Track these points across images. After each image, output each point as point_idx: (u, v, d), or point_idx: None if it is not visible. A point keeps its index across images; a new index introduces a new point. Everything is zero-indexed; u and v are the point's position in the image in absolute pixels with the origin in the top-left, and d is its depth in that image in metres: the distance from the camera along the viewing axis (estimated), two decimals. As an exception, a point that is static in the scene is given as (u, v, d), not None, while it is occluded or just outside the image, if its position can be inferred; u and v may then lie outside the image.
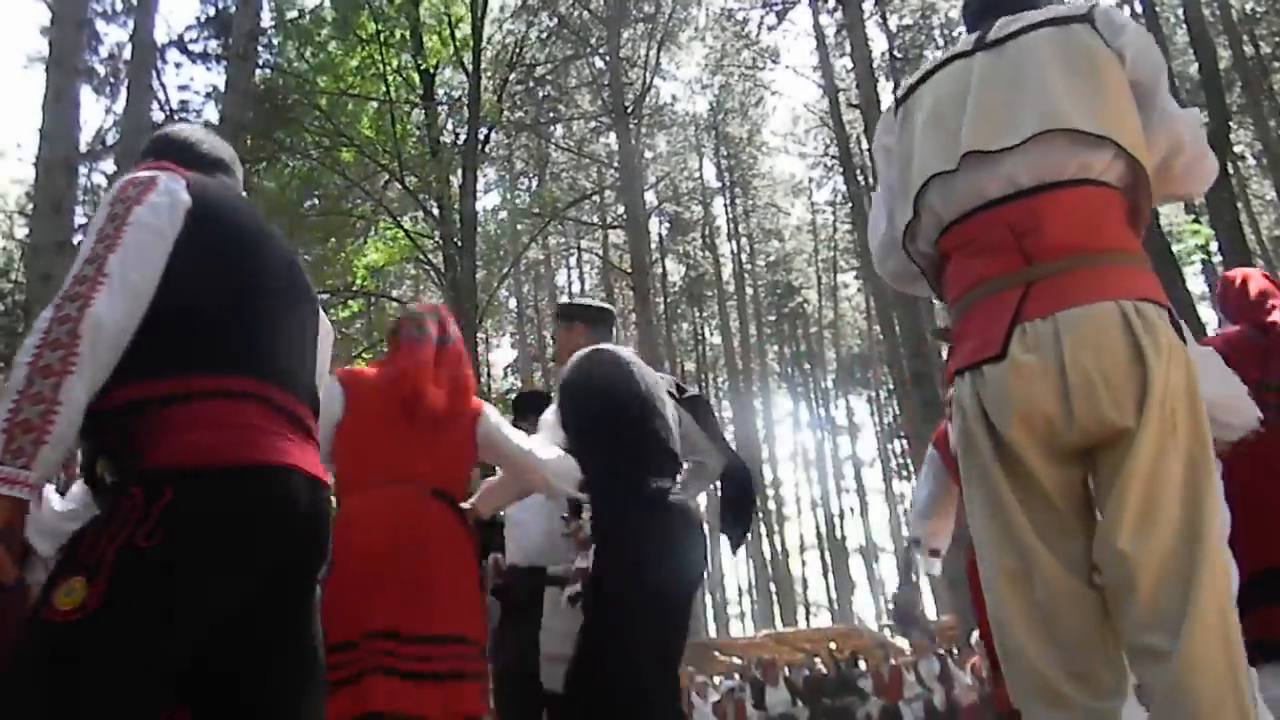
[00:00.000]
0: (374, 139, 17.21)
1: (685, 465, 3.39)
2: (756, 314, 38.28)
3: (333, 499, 1.93)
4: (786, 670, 14.34)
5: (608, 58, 24.01)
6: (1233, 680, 1.70)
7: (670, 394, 3.46)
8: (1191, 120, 2.08)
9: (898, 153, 2.17)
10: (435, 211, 17.64)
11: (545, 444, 3.09)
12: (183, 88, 25.63)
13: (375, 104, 17.68)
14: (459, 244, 17.05)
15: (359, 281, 18.52)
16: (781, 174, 36.86)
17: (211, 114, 18.47)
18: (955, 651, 13.71)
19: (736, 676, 15.89)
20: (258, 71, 16.17)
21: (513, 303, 34.00)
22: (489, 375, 32.32)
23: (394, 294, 23.30)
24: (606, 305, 3.88)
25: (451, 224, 17.35)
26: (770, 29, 26.02)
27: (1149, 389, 1.79)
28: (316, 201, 18.21)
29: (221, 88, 16.83)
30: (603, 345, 3.44)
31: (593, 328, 3.65)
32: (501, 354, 37.53)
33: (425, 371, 2.92)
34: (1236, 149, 25.42)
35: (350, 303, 18.82)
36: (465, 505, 3.01)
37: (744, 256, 37.65)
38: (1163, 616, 1.73)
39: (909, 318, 17.58)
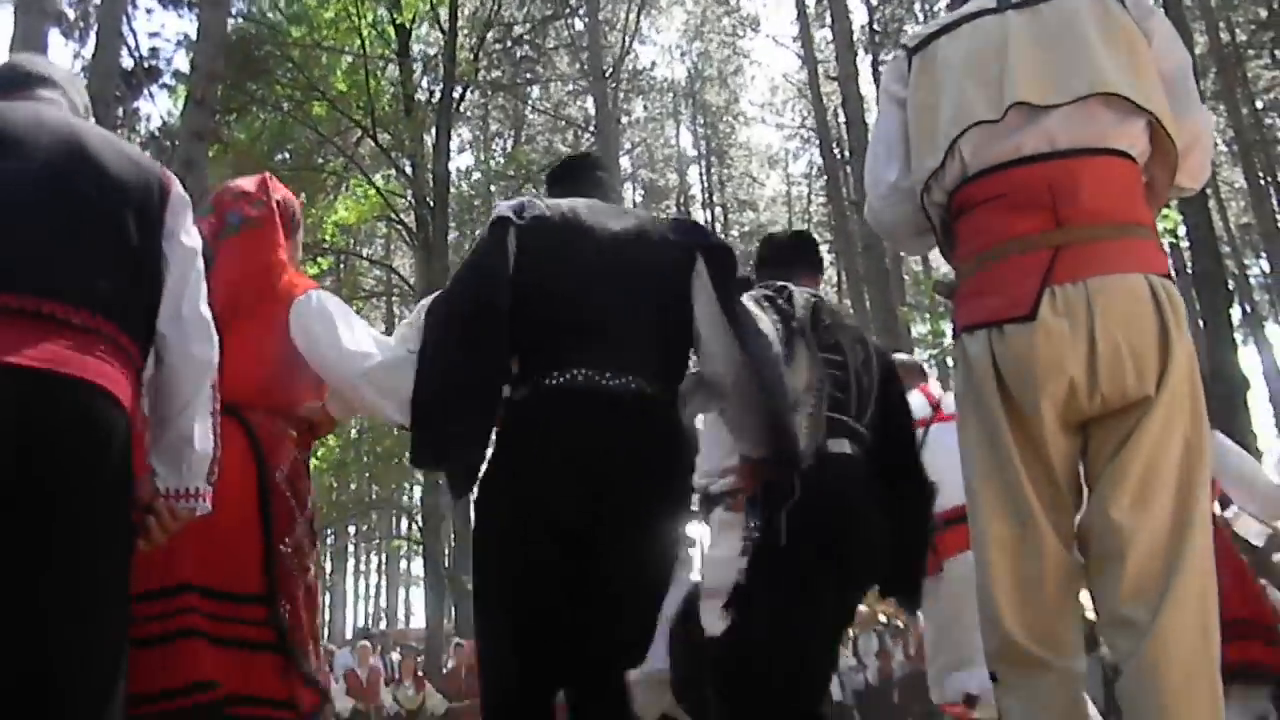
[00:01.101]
0: (347, 93, 16.98)
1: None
2: (729, 284, 38.26)
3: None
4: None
5: (587, 20, 23.78)
6: (1206, 657, 1.73)
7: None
8: (1210, 120, 2.13)
9: (917, 102, 2.11)
10: (408, 170, 17.49)
11: None
12: (153, 34, 25.15)
13: (349, 58, 17.42)
14: (431, 204, 16.91)
15: (329, 239, 18.33)
16: (758, 145, 36.75)
17: (182, 62, 18.19)
18: (901, 625, 13.85)
19: None
20: (230, 20, 15.86)
21: (485, 265, 33.73)
22: (459, 337, 32.18)
23: (364, 252, 23.12)
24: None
25: (424, 183, 17.20)
26: (751, -3, 25.89)
27: (1170, 365, 1.82)
28: (288, 156, 17.97)
29: (193, 35, 16.51)
30: None
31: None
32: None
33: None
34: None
35: (319, 260, 18.62)
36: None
37: (719, 226, 37.57)
38: (1146, 590, 1.76)
39: (880, 294, 17.64)
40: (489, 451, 2.27)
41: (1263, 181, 29.78)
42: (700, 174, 37.01)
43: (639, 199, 35.03)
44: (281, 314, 2.60)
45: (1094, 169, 1.91)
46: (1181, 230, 16.54)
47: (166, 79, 18.80)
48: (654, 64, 33.10)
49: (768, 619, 2.49)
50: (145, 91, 18.10)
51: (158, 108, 19.15)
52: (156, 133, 18.67)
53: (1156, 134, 1.96)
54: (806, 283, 2.98)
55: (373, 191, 17.37)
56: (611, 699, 2.14)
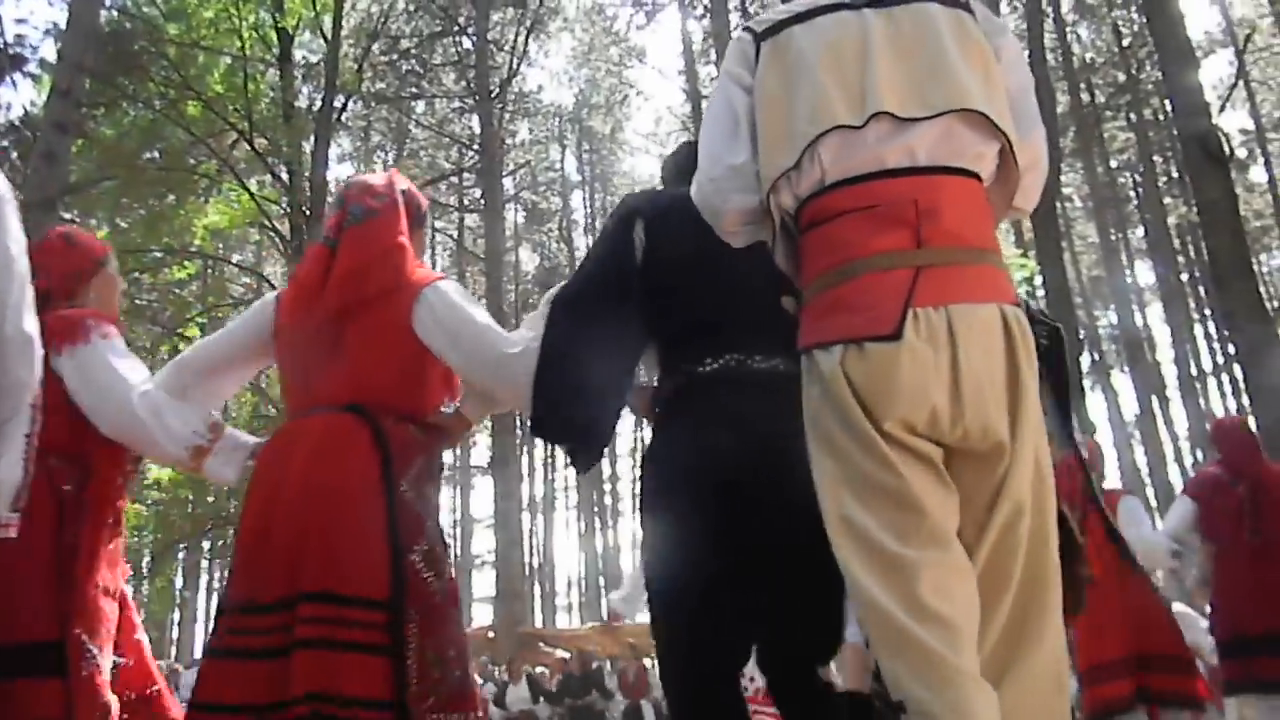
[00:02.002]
0: (224, 95, 16.58)
1: None
2: (608, 309, 38.43)
3: None
4: (536, 668, 13.93)
5: (475, 38, 23.78)
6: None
7: None
8: (1044, 140, 2.07)
9: (766, 92, 1.97)
10: (285, 177, 17.14)
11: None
12: (20, 20, 24.19)
13: (228, 59, 17.05)
14: (307, 212, 16.60)
15: (198, 242, 17.81)
16: (641, 174, 37.14)
17: (50, 51, 17.54)
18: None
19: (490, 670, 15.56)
20: (103, 12, 15.37)
21: (360, 278, 33.22)
22: (330, 351, 31.54)
23: (234, 259, 22.54)
24: None
25: (301, 191, 16.89)
26: (639, 28, 26.33)
27: (1022, 405, 1.79)
28: (158, 155, 17.43)
29: (62, 25, 15.93)
30: None
31: None
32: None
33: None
34: (1065, 191, 26.90)
35: (186, 264, 18.08)
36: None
37: (599, 252, 37.75)
38: (993, 667, 1.72)
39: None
40: (638, 435, 2.34)
41: (1114, 237, 31.44)
42: (584, 199, 37.23)
43: (521, 221, 35.03)
44: (405, 303, 2.52)
45: (953, 188, 1.85)
46: (1038, 280, 17.35)
47: (32, 67, 18.14)
48: (541, 87, 33.26)
49: None
50: (8, 79, 17.39)
51: (21, 96, 18.40)
52: (18, 122, 17.96)
53: (1004, 156, 1.93)
54: None
55: (246, 197, 16.97)
56: (813, 685, 2.20)
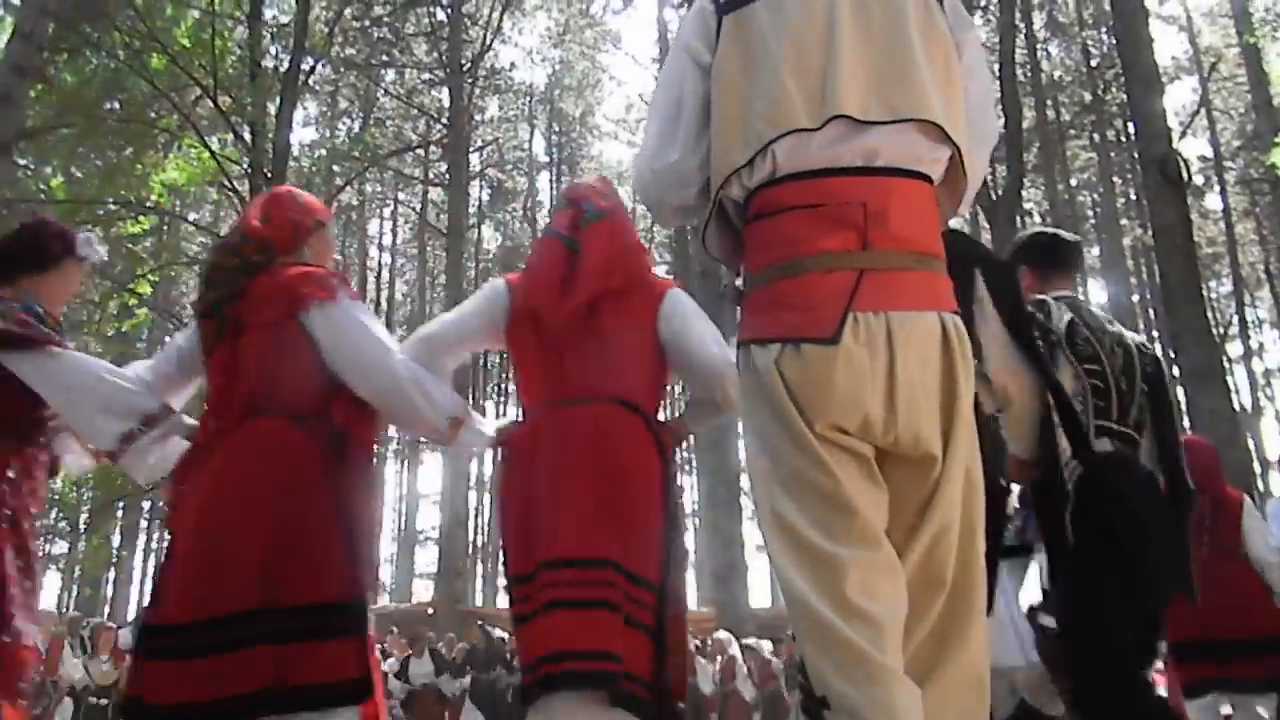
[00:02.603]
0: (190, 49, 16.28)
1: None
2: (567, 293, 38.34)
3: None
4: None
5: (449, 10, 23.58)
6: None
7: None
8: (989, 152, 2.08)
9: (724, 74, 1.93)
10: (247, 137, 16.90)
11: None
12: (-17, -40, 23.50)
13: (196, 13, 16.75)
14: (269, 174, 16.38)
15: (154, 198, 17.51)
16: (610, 159, 37.06)
17: (12, -7, 17.08)
18: (707, 643, 14.12)
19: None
20: (69, -44, 15.04)
21: (319, 245, 32.88)
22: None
23: (191, 217, 22.20)
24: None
25: (263, 152, 16.67)
26: (615, 13, 26.20)
27: (957, 414, 1.79)
28: (118, 105, 17.10)
29: (27, -34, 15.57)
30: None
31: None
32: (300, 296, 36.19)
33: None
34: (1026, 206, 27.23)
35: (141, 219, 17.76)
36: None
37: (562, 234, 37.63)
38: (918, 668, 1.73)
39: (714, 315, 18.01)
40: None
41: (1071, 252, 31.88)
42: (550, 181, 37.06)
43: (485, 198, 34.82)
44: (651, 302, 2.75)
45: (903, 191, 1.83)
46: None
47: (-6, 8, 17.67)
48: (513, 65, 32.99)
49: (1072, 610, 2.92)
50: (-33, 18, 16.94)
51: (-20, 37, 17.95)
52: (-25, 63, 17.50)
53: (953, 162, 1.92)
54: (1059, 283, 3.34)
55: (206, 154, 16.70)
56: None
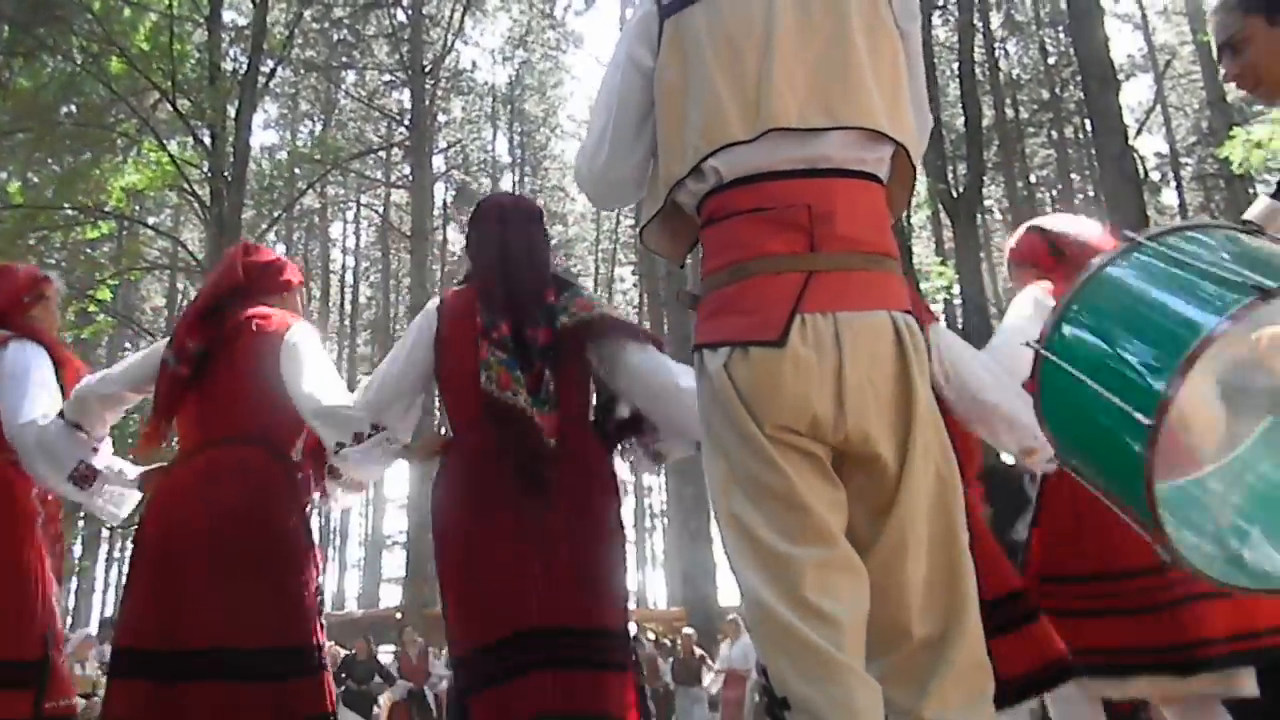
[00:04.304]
0: (148, 53, 16.14)
1: None
2: (532, 294, 38.27)
3: None
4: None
5: (410, 12, 23.48)
6: None
7: None
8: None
9: (665, 82, 1.92)
10: (207, 140, 16.76)
11: None
12: (-67, -37, 23.14)
13: (154, 16, 16.59)
14: (229, 178, 16.27)
15: (113, 202, 17.33)
16: (572, 159, 36.93)
17: (-36, -4, 16.82)
18: (675, 642, 14.15)
19: None
20: (24, -42, 14.85)
21: (280, 248, 32.66)
22: (246, 321, 30.88)
23: (150, 221, 21.96)
24: None
25: (223, 156, 16.54)
26: (578, 14, 26.17)
27: (915, 409, 1.78)
28: (75, 110, 16.90)
29: (-21, -31, 15.35)
30: None
31: None
32: (262, 301, 35.93)
33: None
34: (987, 203, 27.51)
35: (100, 224, 17.58)
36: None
37: (526, 235, 37.59)
38: (918, 675, 1.72)
39: (679, 318, 18.09)
40: None
41: (1031, 248, 32.25)
42: (513, 182, 36.99)
43: (449, 200, 34.70)
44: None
45: (849, 192, 1.82)
46: (956, 288, 17.73)
47: (-56, 12, 17.40)
48: (475, 65, 32.91)
49: None
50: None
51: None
52: (-73, 68, 17.22)
53: (900, 160, 1.93)
54: None
55: (165, 158, 16.55)
56: None
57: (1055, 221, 3.28)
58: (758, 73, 1.83)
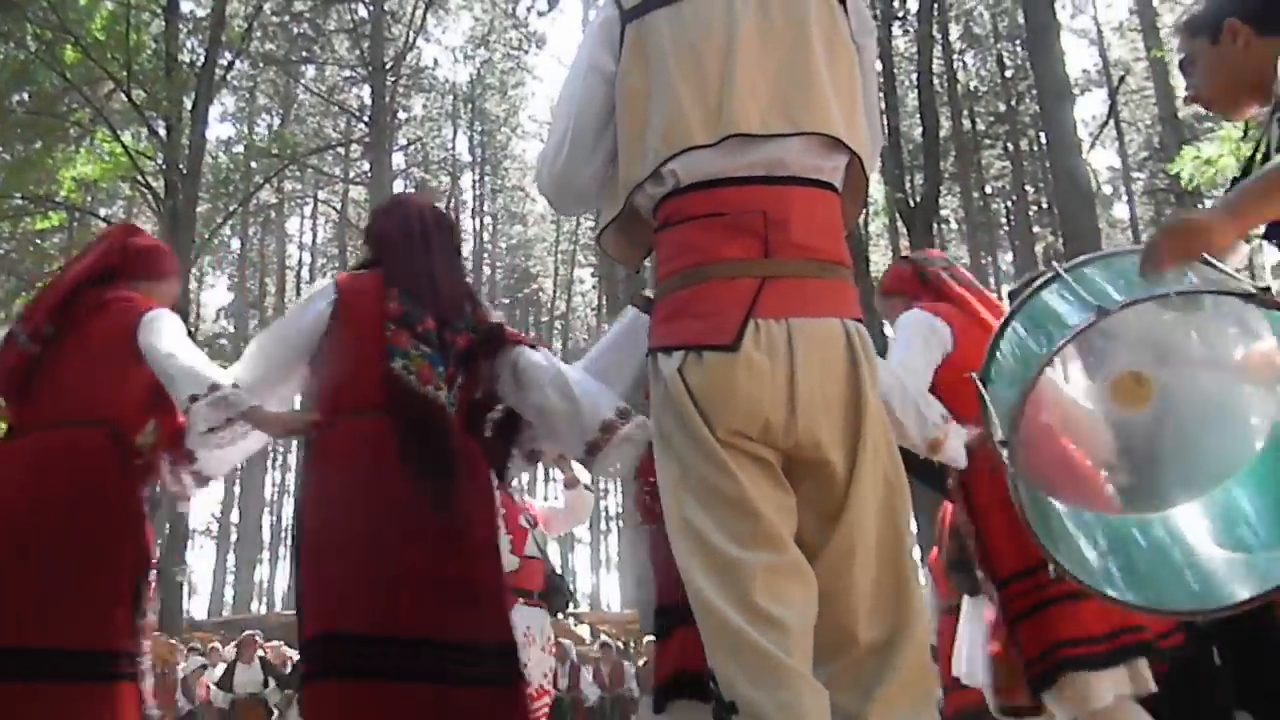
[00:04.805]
0: (104, 42, 15.91)
1: None
2: (491, 295, 38.16)
3: None
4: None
5: (371, 7, 23.32)
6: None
7: None
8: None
9: (627, 88, 1.93)
10: (162, 132, 16.55)
11: None
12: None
13: (110, 5, 16.36)
14: (183, 171, 16.08)
15: (64, 193, 17.06)
16: (533, 159, 36.79)
17: (-86, -21, 16.48)
18: (629, 645, 14.17)
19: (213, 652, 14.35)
20: (-23, -57, 14.58)
21: (236, 244, 32.32)
22: (199, 316, 30.55)
23: (102, 212, 21.62)
24: None
25: (178, 148, 16.36)
26: (541, 14, 26.13)
27: (865, 418, 1.80)
28: (28, 98, 16.61)
29: (-70, -48, 15.05)
30: None
31: None
32: (216, 295, 35.58)
33: None
34: (943, 212, 27.80)
35: (50, 214, 17.29)
36: None
37: (486, 235, 37.53)
38: (863, 679, 1.73)
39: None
40: None
41: (984, 260, 32.65)
42: (473, 181, 36.88)
43: (408, 197, 34.46)
44: None
45: (805, 200, 1.85)
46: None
47: (-107, -5, 17.04)
48: (436, 63, 32.72)
49: None
50: None
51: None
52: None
53: (853, 171, 1.95)
54: None
55: (119, 149, 16.32)
56: None
57: (917, 254, 3.54)
58: (719, 79, 1.84)
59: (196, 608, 32.95)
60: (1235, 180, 2.06)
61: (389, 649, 2.24)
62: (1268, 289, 1.73)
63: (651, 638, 2.81)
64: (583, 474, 2.97)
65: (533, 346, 2.65)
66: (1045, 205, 29.27)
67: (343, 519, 2.36)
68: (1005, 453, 1.96)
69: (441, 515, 2.35)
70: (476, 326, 2.62)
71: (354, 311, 2.53)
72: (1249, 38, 2.03)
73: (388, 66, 23.17)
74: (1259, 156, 1.95)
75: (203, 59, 17.49)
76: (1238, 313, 1.89)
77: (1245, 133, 2.19)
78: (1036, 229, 30.39)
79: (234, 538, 35.51)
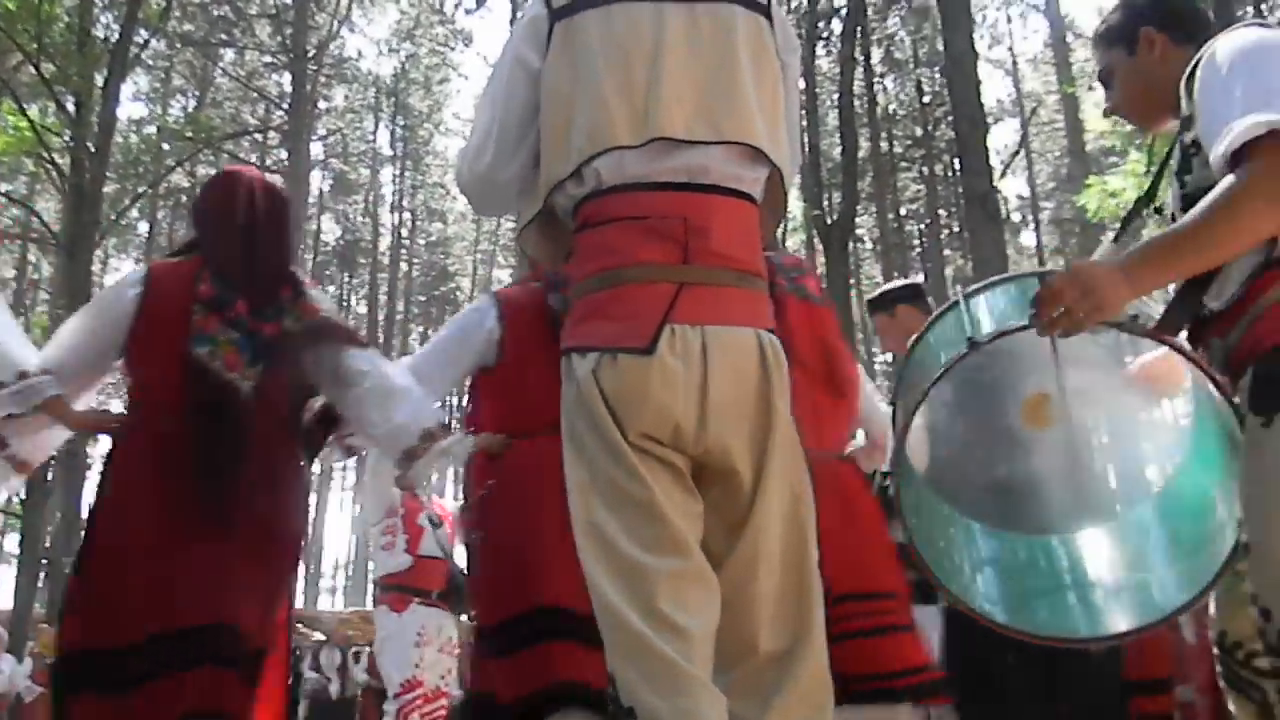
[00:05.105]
0: (14, 12, 15.34)
1: None
2: (408, 291, 37.72)
3: None
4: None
5: (296, -6, 22.95)
6: None
7: None
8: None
9: (551, 85, 1.92)
10: (71, 108, 16.03)
11: None
12: None
13: (21, -25, 15.79)
14: (92, 149, 15.60)
15: (-36, 166, 16.43)
16: (455, 157, 36.59)
17: None
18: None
19: None
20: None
21: (144, 226, 31.41)
22: (102, 298, 29.57)
23: (4, 188, 20.87)
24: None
25: (87, 126, 15.86)
26: (468, 12, 25.98)
27: (773, 429, 1.81)
28: (-73, 66, 15.96)
29: None
30: None
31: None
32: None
33: None
34: (859, 232, 28.27)
35: (-53, 187, 16.63)
36: None
37: (405, 231, 37.09)
38: (762, 688, 1.74)
39: (551, 321, 18.03)
40: None
41: (896, 279, 33.32)
42: (394, 175, 36.42)
43: (327, 189, 33.95)
44: None
45: (725, 209, 1.85)
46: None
47: None
48: (360, 54, 32.34)
49: None
50: None
51: None
52: None
53: (773, 184, 1.97)
54: None
55: (25, 124, 15.75)
56: None
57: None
58: (646, 83, 1.85)
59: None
60: (1139, 202, 2.10)
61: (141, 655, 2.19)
62: (1135, 317, 1.79)
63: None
64: None
65: (363, 345, 2.60)
66: (957, 229, 29.94)
67: (136, 528, 2.29)
68: (889, 484, 2.01)
69: (224, 515, 2.29)
70: (298, 316, 2.53)
71: (163, 299, 2.44)
72: (1165, 47, 2.01)
73: (310, 55, 22.83)
74: (1167, 172, 1.99)
75: (117, 35, 17.00)
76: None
77: (1148, 168, 2.17)
78: (948, 252, 31.11)
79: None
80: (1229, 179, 1.67)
